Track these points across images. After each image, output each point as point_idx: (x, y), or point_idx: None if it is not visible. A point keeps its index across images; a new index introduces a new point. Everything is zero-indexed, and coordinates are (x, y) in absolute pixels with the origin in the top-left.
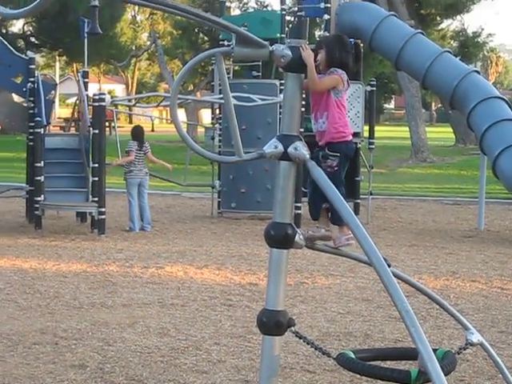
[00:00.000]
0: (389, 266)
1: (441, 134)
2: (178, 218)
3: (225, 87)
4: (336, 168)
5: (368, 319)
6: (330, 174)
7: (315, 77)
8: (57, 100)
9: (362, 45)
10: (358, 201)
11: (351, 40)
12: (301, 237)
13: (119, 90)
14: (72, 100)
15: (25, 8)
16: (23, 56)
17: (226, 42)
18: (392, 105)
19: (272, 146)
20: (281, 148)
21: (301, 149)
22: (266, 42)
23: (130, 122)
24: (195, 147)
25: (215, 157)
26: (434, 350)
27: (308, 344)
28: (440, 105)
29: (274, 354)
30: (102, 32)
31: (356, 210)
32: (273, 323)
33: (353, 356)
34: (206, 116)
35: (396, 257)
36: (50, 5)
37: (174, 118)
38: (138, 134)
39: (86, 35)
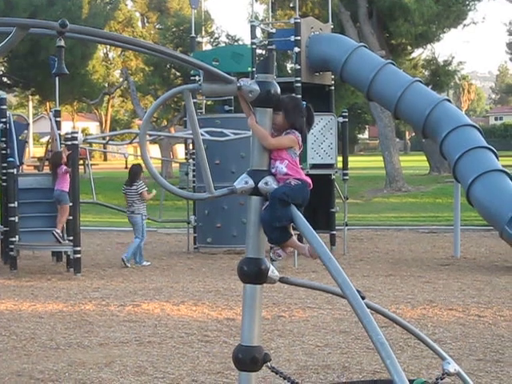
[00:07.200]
0: (363, 298)
1: (415, 162)
2: (154, 255)
3: (193, 124)
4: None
5: (346, 351)
6: None
7: (263, 136)
8: (31, 139)
9: (333, 76)
10: (334, 232)
11: (303, 103)
12: (275, 272)
13: (93, 127)
14: (46, 139)
15: None
16: None
17: (197, 78)
18: (366, 135)
19: (243, 182)
20: (251, 183)
21: (271, 183)
22: (233, 78)
23: (105, 160)
24: (165, 184)
25: (186, 194)
26: (411, 381)
27: (284, 379)
28: (414, 133)
29: None
30: (68, 72)
31: (332, 242)
32: (248, 359)
33: None
34: (180, 151)
35: (373, 287)
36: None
37: (143, 156)
38: (129, 173)
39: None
